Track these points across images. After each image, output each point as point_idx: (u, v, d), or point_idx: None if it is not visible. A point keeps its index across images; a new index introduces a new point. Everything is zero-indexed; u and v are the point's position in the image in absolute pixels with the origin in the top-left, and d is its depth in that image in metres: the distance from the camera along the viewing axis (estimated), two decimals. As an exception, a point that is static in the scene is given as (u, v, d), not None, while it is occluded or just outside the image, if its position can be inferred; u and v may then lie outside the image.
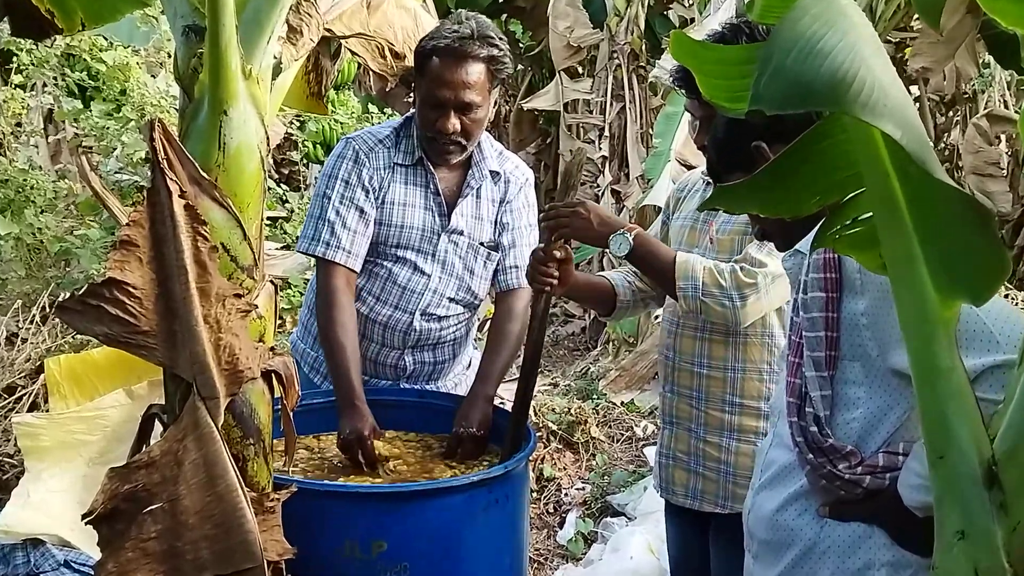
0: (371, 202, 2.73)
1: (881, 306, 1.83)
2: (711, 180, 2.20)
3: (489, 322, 3.01)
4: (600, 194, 7.64)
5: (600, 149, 7.77)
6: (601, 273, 2.95)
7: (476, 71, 2.62)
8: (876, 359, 1.85)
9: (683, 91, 2.58)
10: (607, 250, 2.49)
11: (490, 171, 2.82)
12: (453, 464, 2.56)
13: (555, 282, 2.49)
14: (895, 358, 1.80)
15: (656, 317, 5.62)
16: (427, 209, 2.77)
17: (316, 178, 7.45)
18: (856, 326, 1.87)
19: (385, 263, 2.77)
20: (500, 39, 2.67)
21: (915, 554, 1.81)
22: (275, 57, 2.02)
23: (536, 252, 2.54)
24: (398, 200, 2.75)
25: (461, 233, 2.80)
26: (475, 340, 3.22)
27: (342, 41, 3.12)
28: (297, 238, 5.42)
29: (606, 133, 7.77)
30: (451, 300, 2.84)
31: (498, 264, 2.87)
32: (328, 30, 3.00)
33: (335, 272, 2.68)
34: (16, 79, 5.74)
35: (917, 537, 1.77)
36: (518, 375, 2.61)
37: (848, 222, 1.48)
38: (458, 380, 3.03)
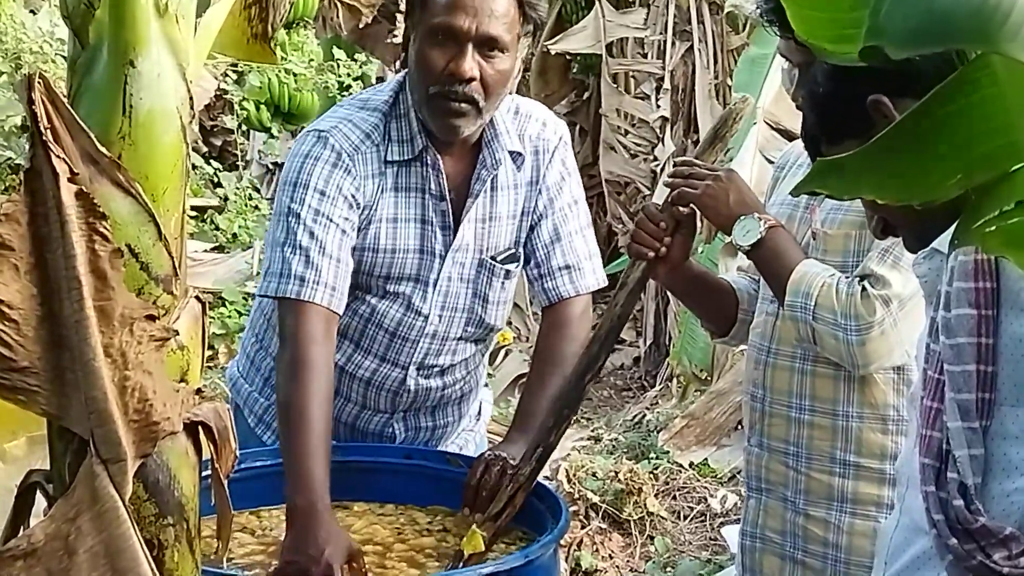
0: (354, 220, 2.67)
1: None
2: (809, 153, 2.20)
3: (501, 354, 3.00)
4: (659, 169, 7.66)
5: (658, 107, 7.81)
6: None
7: (503, 0, 2.61)
8: None
9: (775, 29, 2.59)
10: (730, 233, 2.57)
11: (510, 153, 2.79)
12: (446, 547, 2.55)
13: (662, 250, 2.55)
14: None
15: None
16: (425, 222, 2.74)
17: (260, 152, 7.51)
18: (1021, 357, 1.86)
19: (369, 299, 2.76)
20: None
21: None
22: (201, -15, 2.04)
23: (648, 207, 2.62)
24: (386, 215, 2.71)
25: (468, 248, 2.78)
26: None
27: (296, -38, 3.14)
28: (235, 236, 5.44)
29: (666, 85, 7.81)
30: (458, 339, 2.85)
31: (540, 268, 2.85)
32: (276, -53, 3.03)
33: (313, 316, 2.59)
34: None
35: None
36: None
37: (1005, 209, 1.48)
38: (465, 439, 3.06)
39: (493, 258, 2.82)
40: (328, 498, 2.45)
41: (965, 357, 1.88)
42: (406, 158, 2.71)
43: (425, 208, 2.74)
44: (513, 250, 2.85)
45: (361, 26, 6.54)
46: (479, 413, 3.11)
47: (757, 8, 2.66)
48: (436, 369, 2.84)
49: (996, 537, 1.83)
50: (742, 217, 2.52)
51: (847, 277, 2.46)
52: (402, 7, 2.88)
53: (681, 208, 2.57)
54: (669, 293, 5.79)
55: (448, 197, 2.75)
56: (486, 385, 3.18)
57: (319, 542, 2.35)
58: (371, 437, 2.88)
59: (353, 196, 2.67)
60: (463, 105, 2.62)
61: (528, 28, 2.70)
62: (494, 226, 2.81)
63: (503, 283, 2.85)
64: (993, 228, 1.48)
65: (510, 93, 2.81)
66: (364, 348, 2.79)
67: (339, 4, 2.92)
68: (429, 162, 2.72)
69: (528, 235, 2.86)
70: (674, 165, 2.63)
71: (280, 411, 2.61)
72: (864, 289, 2.42)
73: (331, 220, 2.63)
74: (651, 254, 2.56)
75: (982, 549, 1.84)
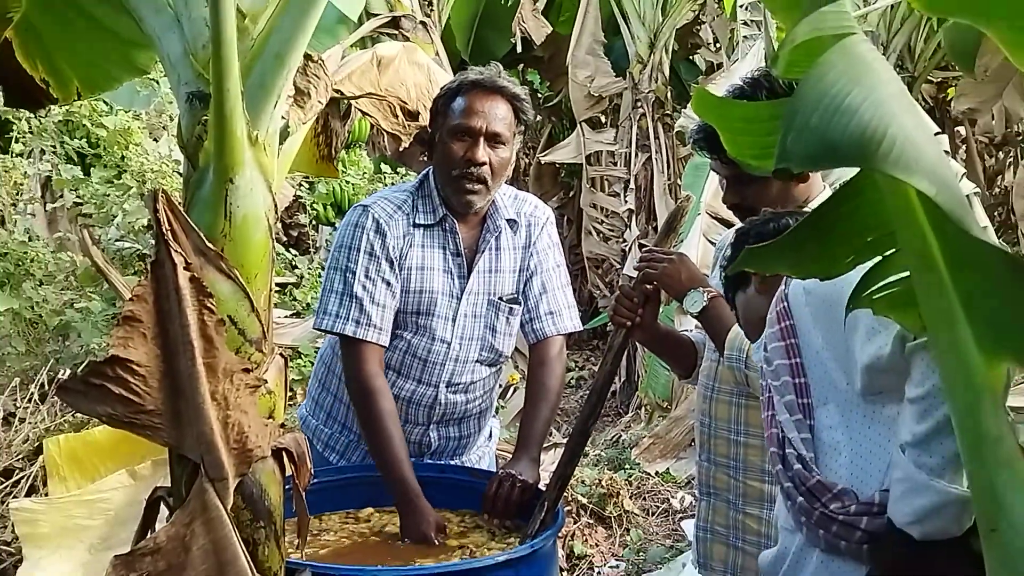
0: (395, 273, 2.72)
1: (830, 322, 1.91)
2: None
3: (511, 391, 3.00)
4: (627, 249, 7.67)
5: (626, 202, 7.82)
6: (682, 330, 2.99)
7: (504, 106, 2.69)
8: (846, 390, 1.91)
9: (706, 154, 2.62)
10: (680, 302, 2.56)
11: (507, 220, 2.84)
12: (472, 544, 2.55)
13: (637, 319, 2.57)
14: (856, 365, 1.86)
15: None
16: (446, 271, 2.78)
17: (327, 240, 7.53)
18: (820, 362, 1.94)
19: (404, 334, 2.77)
20: (521, 88, 2.76)
21: None
22: (283, 118, 2.06)
23: (623, 286, 2.65)
24: (416, 264, 2.75)
25: (479, 291, 2.82)
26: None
27: (352, 102, 3.17)
28: (308, 305, 5.42)
29: (631, 186, 7.83)
30: (476, 362, 2.86)
31: (531, 312, 2.87)
32: (337, 91, 3.05)
33: (368, 353, 2.66)
34: (15, 148, 5.84)
35: None
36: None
37: (885, 282, 1.49)
38: (481, 453, 3.05)
39: (500, 299, 2.84)
40: (419, 489, 2.56)
41: (782, 374, 1.98)
42: (430, 223, 2.76)
43: (446, 261, 2.78)
44: (516, 296, 2.87)
45: (400, 149, 6.56)
46: (491, 436, 3.11)
47: (690, 137, 2.67)
48: (460, 386, 2.85)
49: (831, 492, 1.88)
50: (691, 290, 2.52)
51: None
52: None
53: (647, 285, 2.58)
54: (640, 346, 5.77)
55: (463, 253, 2.78)
56: (496, 415, 3.18)
57: (426, 518, 2.50)
58: (412, 445, 2.85)
59: (392, 252, 2.71)
60: (477, 184, 2.69)
61: (521, 128, 2.76)
62: (499, 276, 2.84)
63: (507, 318, 2.86)
64: (879, 295, 1.49)
65: (508, 181, 2.84)
66: (404, 374, 2.79)
67: (385, 132, 2.98)
68: (448, 227, 2.77)
69: (523, 288, 2.88)
70: (640, 251, 2.65)
71: (365, 433, 2.65)
72: None
73: (378, 275, 2.69)
74: (629, 323, 2.58)
75: (822, 503, 1.88)
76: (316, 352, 5.16)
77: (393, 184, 6.65)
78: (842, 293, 1.84)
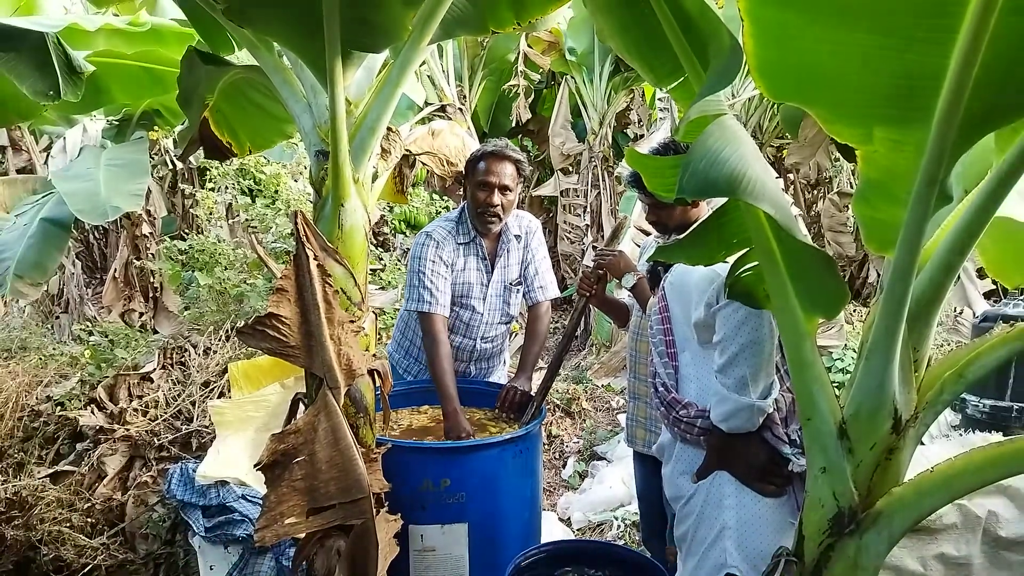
0: (447, 272, 2.68)
1: (682, 300, 1.93)
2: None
3: (513, 336, 2.97)
4: (585, 249, 7.63)
5: (584, 220, 7.78)
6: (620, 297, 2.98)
7: (510, 167, 2.63)
8: (693, 342, 1.92)
9: (635, 190, 2.59)
10: (619, 280, 2.52)
11: (514, 236, 2.81)
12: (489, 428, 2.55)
13: (593, 291, 2.56)
14: (693, 323, 1.87)
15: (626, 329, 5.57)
16: (478, 270, 2.74)
17: (400, 243, 7.53)
18: (680, 326, 1.96)
19: (455, 308, 2.74)
20: (521, 154, 2.71)
21: (756, 491, 1.80)
22: (374, 168, 2.06)
23: (584, 272, 2.59)
24: (459, 267, 2.71)
25: (499, 281, 2.80)
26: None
27: (416, 156, 3.16)
28: (389, 282, 5.37)
29: (588, 210, 7.77)
30: (498, 324, 2.84)
31: (528, 287, 2.84)
32: (407, 150, 3.05)
33: (437, 321, 2.60)
34: (209, 185, 5.85)
35: (749, 467, 1.78)
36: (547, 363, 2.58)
37: (743, 269, 1.48)
38: (500, 373, 3.04)
39: (511, 283, 2.80)
40: (459, 405, 2.46)
41: (657, 334, 2.01)
42: (466, 242, 2.72)
43: (478, 264, 2.74)
44: (519, 279, 2.83)
45: (446, 186, 6.53)
46: (505, 362, 3.11)
47: (625, 180, 2.63)
48: (488, 338, 2.82)
49: (681, 404, 1.90)
50: (627, 274, 2.50)
51: None
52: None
53: (600, 271, 2.56)
54: (594, 308, 5.76)
55: (487, 258, 2.75)
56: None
57: (463, 425, 2.41)
58: (456, 374, 2.82)
59: (445, 260, 2.66)
60: (494, 218, 2.65)
61: (522, 179, 2.70)
62: (510, 269, 2.80)
63: (514, 292, 2.83)
64: (735, 280, 1.49)
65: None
66: (454, 332, 2.76)
67: (436, 175, 2.99)
68: (478, 243, 2.73)
69: (523, 272, 2.85)
70: (594, 251, 2.63)
71: (431, 370, 2.58)
72: None
73: (439, 274, 2.64)
74: (588, 294, 2.56)
75: (675, 411, 1.90)
76: (395, 311, 5.17)
77: (438, 207, 6.63)
78: (687, 282, 1.90)
